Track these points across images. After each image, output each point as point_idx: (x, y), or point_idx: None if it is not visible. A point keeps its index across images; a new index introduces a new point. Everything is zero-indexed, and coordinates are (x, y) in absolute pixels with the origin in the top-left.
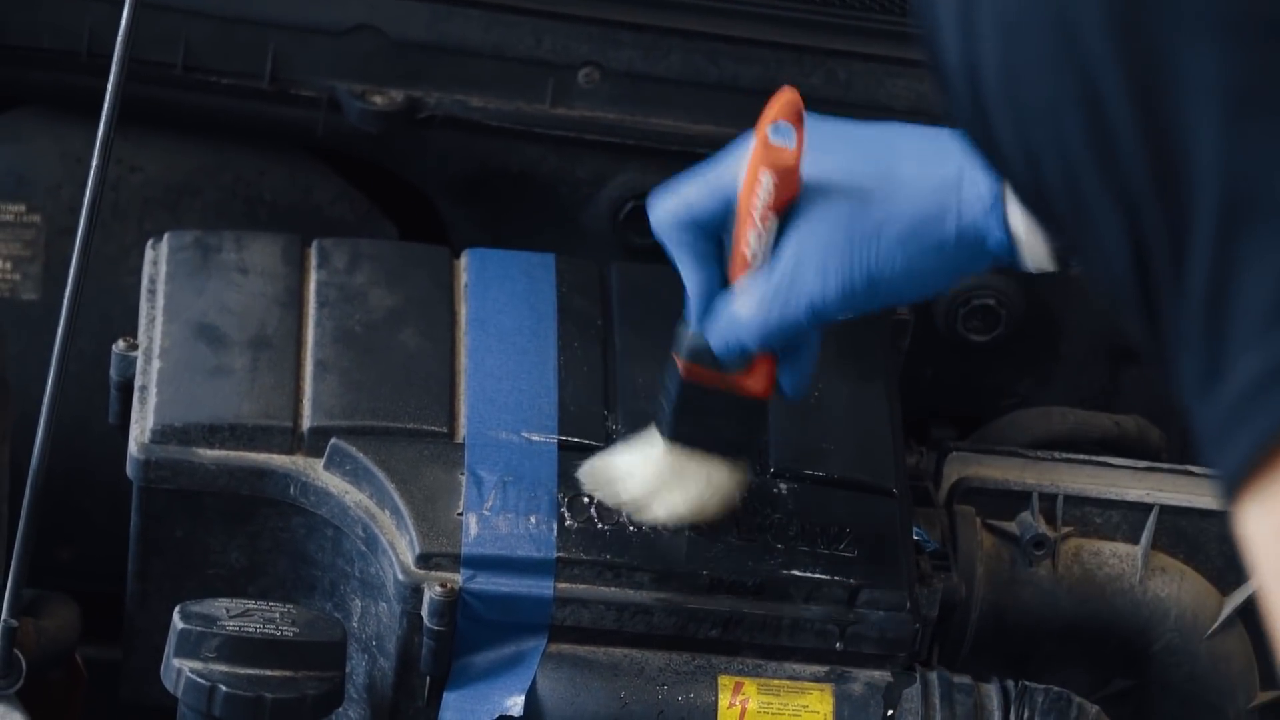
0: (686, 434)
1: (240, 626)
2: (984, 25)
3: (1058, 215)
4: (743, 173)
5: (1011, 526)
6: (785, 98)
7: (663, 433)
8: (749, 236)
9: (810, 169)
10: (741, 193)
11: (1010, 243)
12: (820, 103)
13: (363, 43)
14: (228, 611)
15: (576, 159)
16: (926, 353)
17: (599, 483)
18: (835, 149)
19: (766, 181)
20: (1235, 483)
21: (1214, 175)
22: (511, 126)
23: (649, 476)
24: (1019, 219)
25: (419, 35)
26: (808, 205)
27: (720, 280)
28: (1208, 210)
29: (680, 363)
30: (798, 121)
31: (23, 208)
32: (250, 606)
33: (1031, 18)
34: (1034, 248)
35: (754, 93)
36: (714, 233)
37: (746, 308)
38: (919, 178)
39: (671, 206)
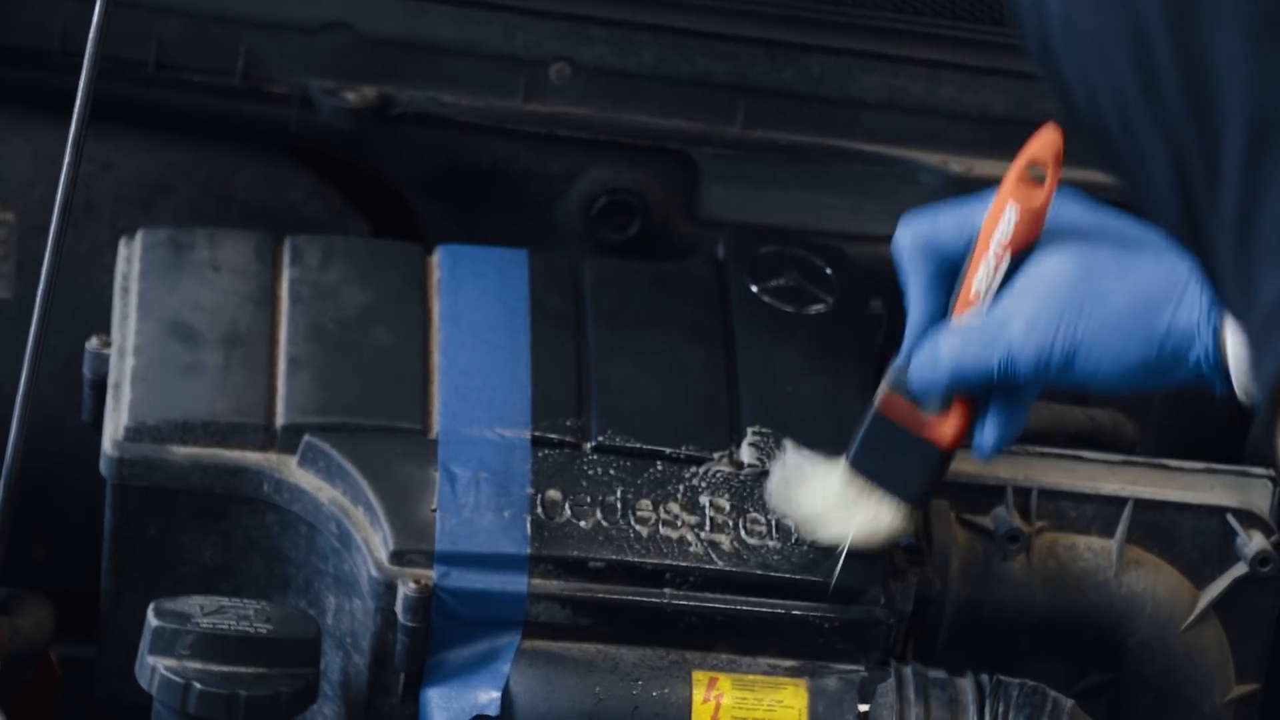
0: (867, 466)
1: (214, 624)
2: None
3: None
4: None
5: (986, 521)
6: (1047, 136)
7: (847, 457)
8: (980, 270)
9: (1053, 223)
10: (984, 223)
11: (1215, 362)
12: (793, 98)
13: (335, 40)
14: (202, 609)
15: (549, 155)
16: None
17: (777, 490)
18: (1082, 216)
19: (1010, 215)
20: (1269, 396)
21: (1242, 102)
22: (484, 123)
23: (823, 498)
24: (1231, 341)
25: (391, 32)
26: (1039, 256)
27: (941, 312)
28: (1237, 136)
29: (881, 391)
30: (1055, 164)
31: None
32: (224, 604)
33: None
34: (1239, 374)
35: (727, 87)
36: (950, 265)
37: (949, 345)
38: (1149, 268)
39: (916, 229)
